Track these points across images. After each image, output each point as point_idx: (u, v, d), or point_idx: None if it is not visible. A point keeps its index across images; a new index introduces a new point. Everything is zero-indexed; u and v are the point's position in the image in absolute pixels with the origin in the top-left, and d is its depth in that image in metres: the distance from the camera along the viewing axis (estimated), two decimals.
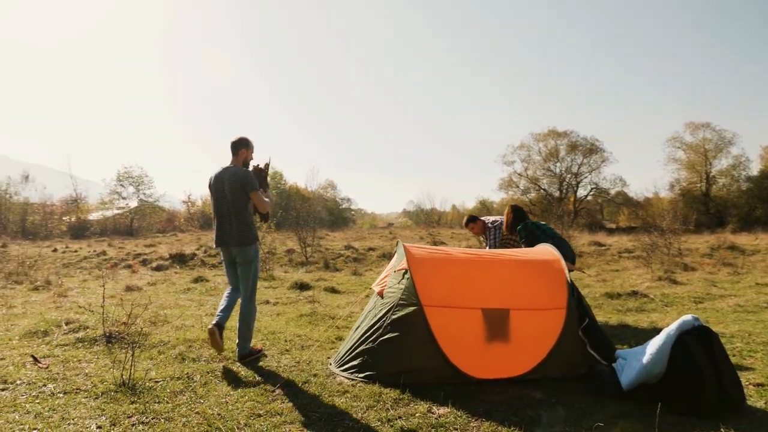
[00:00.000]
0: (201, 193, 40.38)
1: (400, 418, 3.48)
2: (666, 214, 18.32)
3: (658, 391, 3.61)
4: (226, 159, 5.06)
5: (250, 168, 5.11)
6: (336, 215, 46.46)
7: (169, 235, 29.94)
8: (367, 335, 4.39)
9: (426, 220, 45.44)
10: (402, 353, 4.15)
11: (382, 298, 4.53)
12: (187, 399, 3.79)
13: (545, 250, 4.93)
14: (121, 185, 33.37)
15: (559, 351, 4.16)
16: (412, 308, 4.19)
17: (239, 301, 5.01)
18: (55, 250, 18.70)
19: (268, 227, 15.42)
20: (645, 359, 3.65)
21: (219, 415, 3.49)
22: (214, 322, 4.74)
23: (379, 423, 3.41)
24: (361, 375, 4.21)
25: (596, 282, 11.49)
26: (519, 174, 44.37)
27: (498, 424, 3.39)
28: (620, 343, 5.52)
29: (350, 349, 4.49)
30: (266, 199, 4.98)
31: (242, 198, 4.83)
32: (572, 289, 4.37)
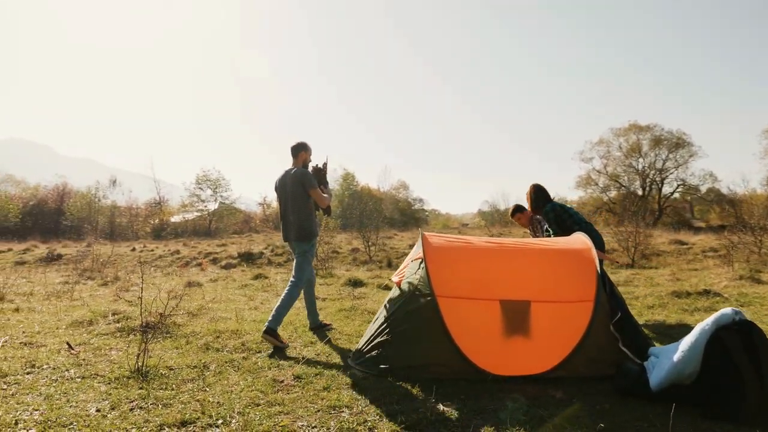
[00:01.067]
0: (275, 196, 41.68)
1: (401, 413, 3.27)
2: (755, 209, 16.85)
3: (692, 393, 3.20)
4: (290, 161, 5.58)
5: (310, 168, 5.56)
6: (408, 216, 46.35)
7: (245, 236, 31.01)
8: (383, 327, 4.22)
9: (500, 220, 44.43)
10: (416, 346, 3.95)
11: (400, 289, 4.35)
12: (193, 387, 3.77)
13: (577, 239, 4.54)
14: (199, 188, 35.03)
15: (585, 347, 3.79)
16: (425, 299, 3.98)
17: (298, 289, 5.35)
18: (133, 249, 19.80)
19: (326, 225, 15.61)
20: (676, 357, 3.24)
21: (218, 403, 3.43)
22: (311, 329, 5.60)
23: (377, 417, 3.23)
24: (375, 368, 4.04)
25: (668, 281, 10.67)
26: (598, 171, 42.36)
27: (502, 423, 3.12)
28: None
29: (367, 341, 4.33)
30: (325, 195, 5.46)
31: (302, 196, 5.30)
32: (602, 281, 3.98)
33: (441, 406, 3.38)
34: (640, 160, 40.87)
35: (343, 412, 3.32)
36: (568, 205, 5.95)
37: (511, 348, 3.82)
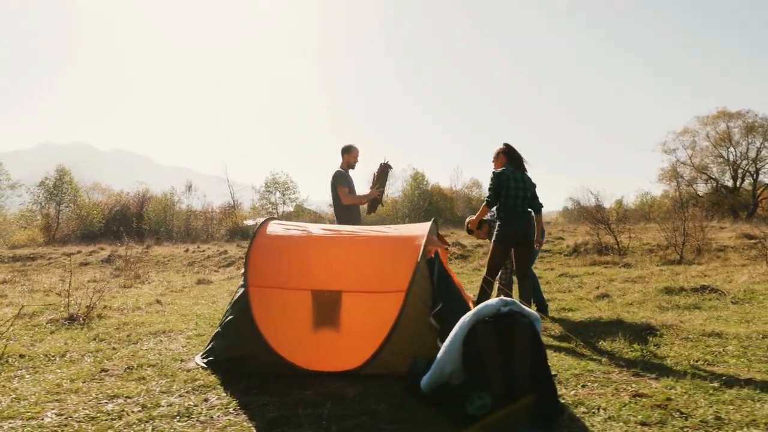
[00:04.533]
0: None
1: (169, 405, 3.19)
2: None
3: (459, 394, 2.83)
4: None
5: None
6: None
7: None
8: (221, 319, 4.14)
9: (581, 218, 42.26)
10: (234, 338, 3.84)
11: None
12: (23, 373, 3.89)
13: (417, 226, 4.21)
14: (268, 192, 36.36)
15: (394, 342, 3.48)
16: (243, 289, 3.85)
17: None
18: (187, 251, 20.84)
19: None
20: (439, 354, 2.89)
21: (13, 389, 3.51)
22: None
23: (138, 408, 3.15)
24: (204, 361, 3.97)
25: (693, 277, 9.64)
26: (683, 163, 39.16)
27: (250, 420, 2.95)
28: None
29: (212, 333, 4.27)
30: (353, 196, 6.20)
31: (335, 194, 6.18)
32: (419, 269, 3.62)
33: (214, 401, 3.26)
34: (731, 149, 37.31)
35: (115, 401, 3.28)
36: (524, 177, 5.29)
37: (320, 341, 3.60)
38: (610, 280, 9.85)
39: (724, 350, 4.34)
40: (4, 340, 5.06)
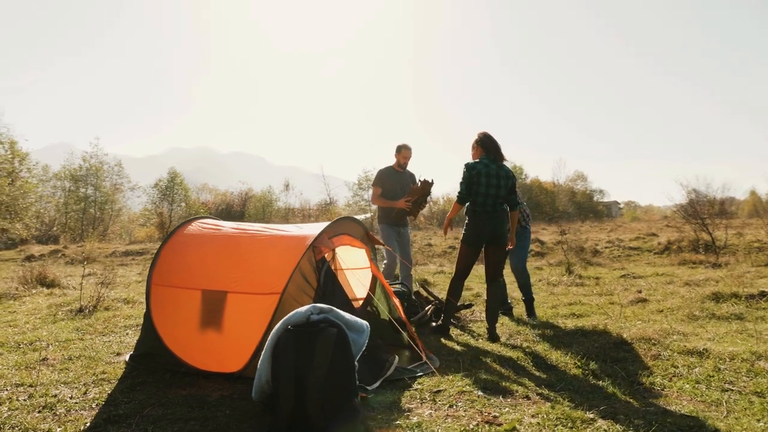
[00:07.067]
0: (442, 192, 42.42)
1: (53, 396, 3.38)
2: None
3: (277, 404, 2.65)
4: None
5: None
6: (586, 209, 42.76)
7: None
8: None
9: (692, 212, 38.62)
10: (143, 335, 3.98)
11: None
12: None
13: (313, 225, 4.04)
14: (361, 188, 37.03)
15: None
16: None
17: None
18: None
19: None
20: (259, 362, 2.72)
21: None
22: None
23: (24, 397, 3.37)
24: (127, 357, 4.12)
25: (759, 279, 8.44)
26: None
27: (96, 416, 3.02)
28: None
29: None
30: (380, 198, 6.44)
31: None
32: (300, 269, 3.44)
33: (93, 394, 3.38)
34: None
35: (16, 388, 3.53)
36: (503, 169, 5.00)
37: (207, 342, 3.60)
38: (669, 282, 8.85)
39: (689, 372, 3.77)
40: (9, 328, 5.57)
